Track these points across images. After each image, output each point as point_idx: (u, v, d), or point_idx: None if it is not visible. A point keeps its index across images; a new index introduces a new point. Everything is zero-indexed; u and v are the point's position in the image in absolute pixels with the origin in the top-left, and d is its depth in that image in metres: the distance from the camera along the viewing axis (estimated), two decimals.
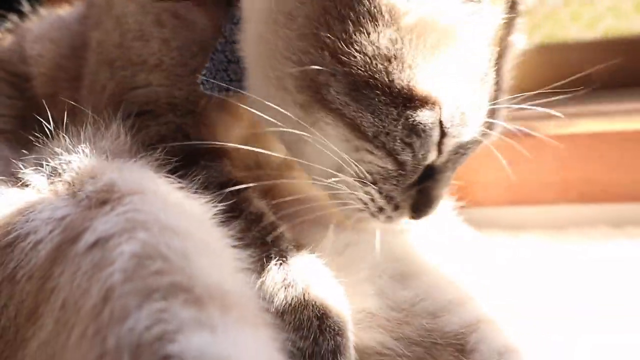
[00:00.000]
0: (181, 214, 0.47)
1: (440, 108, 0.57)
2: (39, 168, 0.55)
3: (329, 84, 0.56)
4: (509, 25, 0.63)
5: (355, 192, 0.60)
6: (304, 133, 0.58)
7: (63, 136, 0.58)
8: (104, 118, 0.60)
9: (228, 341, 0.39)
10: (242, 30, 0.63)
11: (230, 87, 0.64)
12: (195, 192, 0.54)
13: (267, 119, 0.59)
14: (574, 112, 1.19)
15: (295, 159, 0.62)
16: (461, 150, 0.62)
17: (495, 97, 0.62)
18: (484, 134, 0.62)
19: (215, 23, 0.67)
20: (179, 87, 0.68)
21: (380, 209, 0.61)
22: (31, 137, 0.63)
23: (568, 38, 1.39)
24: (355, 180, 0.60)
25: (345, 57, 0.55)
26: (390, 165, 0.59)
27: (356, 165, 0.59)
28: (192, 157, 0.63)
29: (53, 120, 0.59)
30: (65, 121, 0.60)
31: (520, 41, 0.70)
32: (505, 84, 0.66)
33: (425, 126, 0.56)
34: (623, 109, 1.19)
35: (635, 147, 1.07)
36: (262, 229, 0.59)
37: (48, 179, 0.54)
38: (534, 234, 1.10)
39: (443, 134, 0.58)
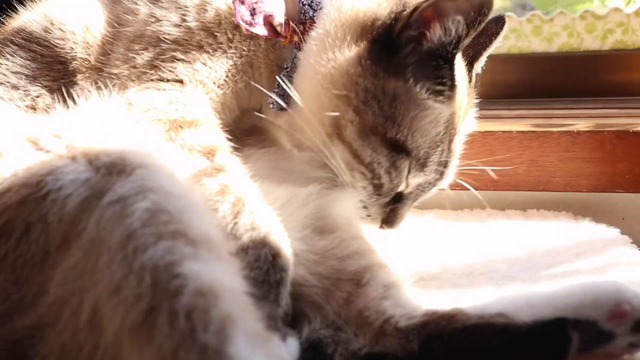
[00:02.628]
0: (177, 182, 0.66)
1: (411, 156, 0.89)
2: (58, 136, 0.72)
3: (347, 126, 0.87)
4: (462, 117, 0.98)
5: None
6: (324, 149, 0.90)
7: (80, 104, 0.76)
8: (123, 86, 0.82)
9: (212, 270, 0.58)
10: (298, 78, 0.92)
11: (281, 105, 0.92)
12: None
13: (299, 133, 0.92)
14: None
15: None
16: (420, 187, 0.96)
17: (447, 159, 0.95)
18: (436, 180, 0.96)
19: (265, 51, 0.95)
20: (215, 70, 0.90)
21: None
22: (43, 92, 0.86)
23: None
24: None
25: (362, 112, 0.86)
26: (371, 187, 0.91)
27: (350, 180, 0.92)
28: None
29: (71, 88, 0.77)
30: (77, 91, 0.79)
31: (471, 126, 1.06)
32: (455, 153, 0.98)
33: (402, 165, 0.89)
34: (514, 114, 1.45)
35: (517, 145, 1.31)
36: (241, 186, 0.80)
37: (66, 147, 0.70)
38: (435, 213, 1.33)
39: (409, 173, 0.91)
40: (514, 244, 1.13)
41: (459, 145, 0.99)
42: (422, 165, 0.91)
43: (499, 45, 1.08)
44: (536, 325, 0.72)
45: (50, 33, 0.96)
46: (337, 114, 0.87)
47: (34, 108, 0.93)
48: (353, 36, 0.89)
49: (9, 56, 0.96)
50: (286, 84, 0.91)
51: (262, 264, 0.74)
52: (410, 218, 1.28)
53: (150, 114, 0.85)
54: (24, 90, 0.94)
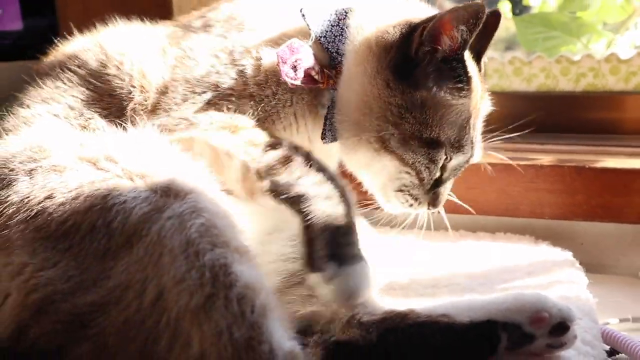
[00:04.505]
0: (219, 206, 0.85)
1: (444, 146, 1.07)
2: (114, 160, 0.90)
3: (390, 139, 1.06)
4: (480, 100, 1.15)
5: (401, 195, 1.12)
6: (375, 163, 1.09)
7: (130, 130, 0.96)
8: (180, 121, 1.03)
9: (252, 272, 0.78)
10: (339, 112, 1.10)
11: (333, 137, 1.11)
12: None
13: (351, 156, 1.12)
14: None
15: (365, 176, 1.15)
16: (455, 170, 1.14)
17: (473, 138, 1.13)
18: (468, 158, 1.13)
19: (310, 92, 1.12)
20: (263, 115, 1.09)
21: (411, 205, 1.12)
22: (95, 115, 1.04)
23: None
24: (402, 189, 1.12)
25: (399, 125, 1.05)
26: (416, 181, 1.10)
27: (399, 180, 1.10)
28: None
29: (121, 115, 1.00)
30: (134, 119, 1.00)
31: (488, 108, 1.23)
32: (478, 132, 1.16)
33: (438, 157, 1.07)
34: (490, 146, 1.61)
35: (488, 176, 1.47)
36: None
37: (122, 170, 0.88)
38: (415, 233, 1.50)
39: (445, 160, 1.09)
40: (478, 262, 1.30)
41: (480, 124, 1.18)
42: (458, 149, 1.09)
43: None
44: (472, 325, 0.89)
45: (105, 68, 1.12)
46: (383, 132, 1.06)
47: (85, 127, 1.08)
48: (374, 67, 1.07)
49: (65, 80, 1.12)
50: (331, 121, 1.11)
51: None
52: (395, 237, 1.47)
53: (213, 125, 1.04)
54: (79, 111, 1.09)
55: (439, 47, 1.04)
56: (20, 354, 0.81)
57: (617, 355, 1.08)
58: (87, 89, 1.11)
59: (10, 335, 0.82)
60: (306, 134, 1.15)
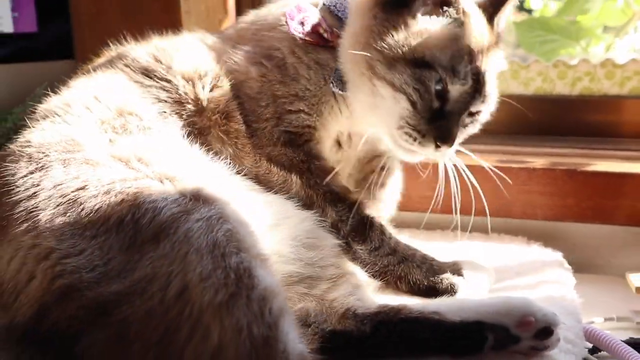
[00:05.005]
0: (240, 214, 0.90)
1: (435, 69, 1.08)
2: (146, 163, 0.95)
3: (377, 65, 1.09)
4: (485, 44, 1.14)
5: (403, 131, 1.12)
6: (374, 97, 1.11)
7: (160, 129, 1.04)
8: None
9: (272, 277, 0.83)
10: (342, 58, 1.16)
11: (340, 87, 1.15)
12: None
13: (357, 98, 1.15)
14: None
15: (374, 119, 1.17)
16: (459, 103, 1.11)
17: (477, 72, 1.11)
18: (473, 91, 1.11)
19: (333, 57, 1.17)
20: (310, 114, 1.16)
21: (415, 139, 1.10)
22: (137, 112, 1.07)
23: None
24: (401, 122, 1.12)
25: (382, 48, 1.09)
26: (409, 106, 1.08)
27: (397, 113, 1.10)
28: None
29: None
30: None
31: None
32: (487, 74, 1.14)
33: (427, 79, 1.07)
34: (487, 149, 1.67)
35: (482, 177, 1.52)
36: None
37: (153, 172, 0.93)
38: (411, 231, 1.56)
39: (442, 88, 1.08)
40: None
41: (490, 69, 1.15)
42: (453, 74, 1.08)
43: None
44: (461, 325, 0.94)
45: (159, 69, 1.17)
46: (366, 54, 1.10)
47: (121, 113, 1.09)
48: (367, 7, 1.14)
49: (113, 74, 1.17)
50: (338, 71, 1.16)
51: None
52: None
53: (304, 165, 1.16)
54: (120, 104, 1.10)
55: None
56: (39, 335, 0.85)
57: (599, 353, 1.14)
58: (135, 85, 1.16)
59: (32, 316, 0.86)
60: (347, 110, 1.21)
